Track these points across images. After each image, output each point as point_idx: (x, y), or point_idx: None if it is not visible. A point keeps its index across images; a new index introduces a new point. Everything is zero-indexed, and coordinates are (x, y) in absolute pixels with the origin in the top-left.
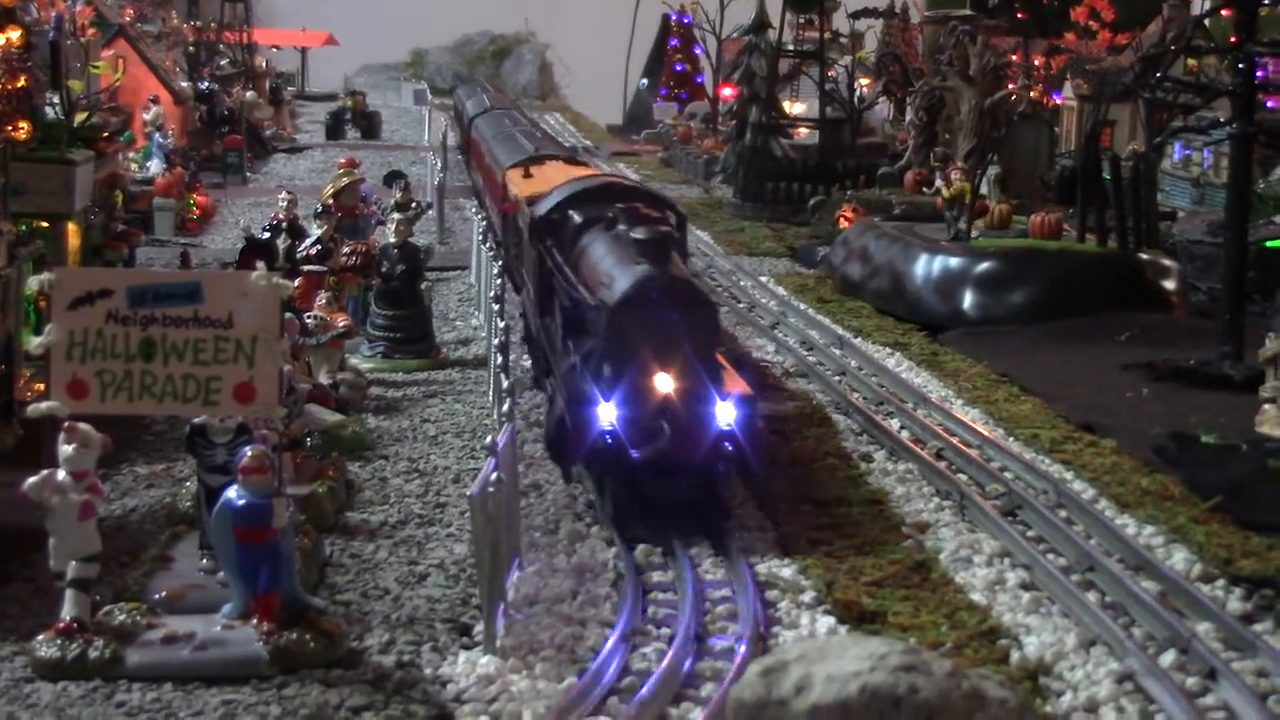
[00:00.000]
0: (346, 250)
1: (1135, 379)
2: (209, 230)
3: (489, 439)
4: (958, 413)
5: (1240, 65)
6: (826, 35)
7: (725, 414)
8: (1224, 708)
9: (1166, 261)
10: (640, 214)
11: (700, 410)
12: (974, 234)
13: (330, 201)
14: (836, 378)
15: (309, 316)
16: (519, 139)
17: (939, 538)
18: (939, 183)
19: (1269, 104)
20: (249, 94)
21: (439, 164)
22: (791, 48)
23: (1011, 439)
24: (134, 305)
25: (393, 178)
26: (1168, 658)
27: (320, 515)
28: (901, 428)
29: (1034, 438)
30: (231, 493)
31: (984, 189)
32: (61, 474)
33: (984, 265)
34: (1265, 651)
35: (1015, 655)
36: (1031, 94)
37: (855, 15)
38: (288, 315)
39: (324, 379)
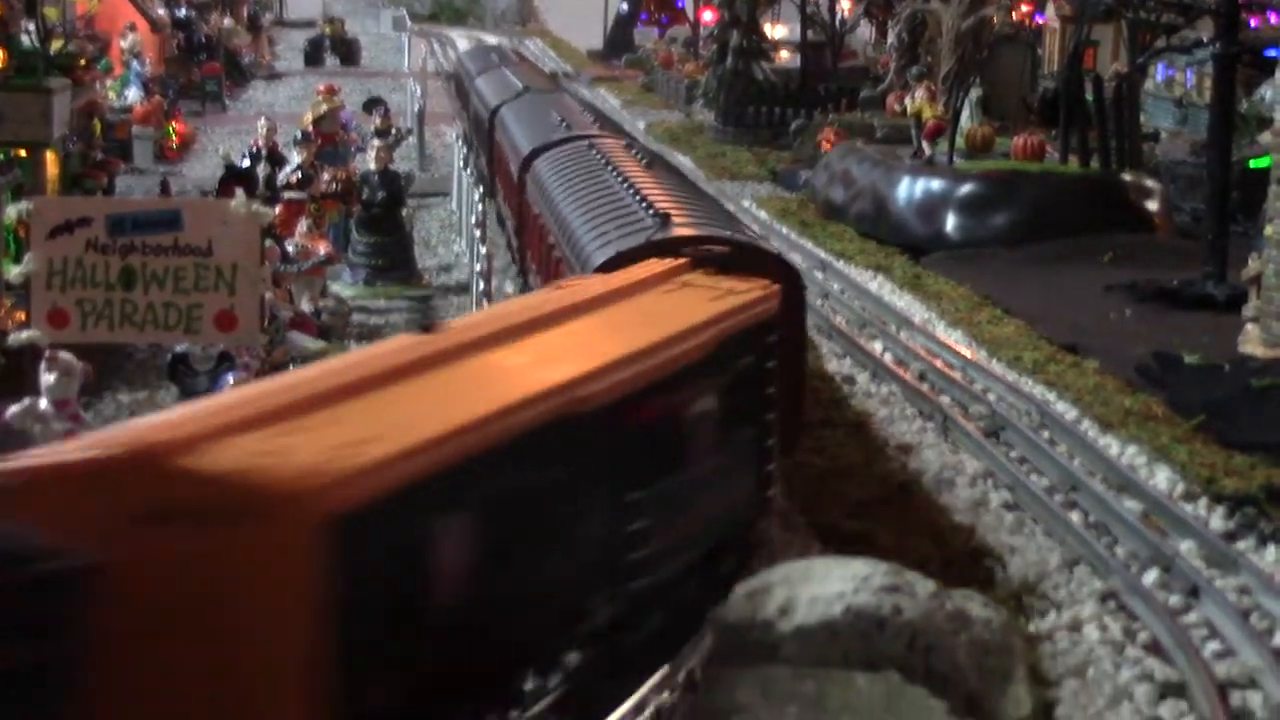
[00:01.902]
0: (327, 177)
1: (1118, 300)
2: (188, 158)
3: None
4: (940, 335)
5: None
6: None
7: None
8: (1206, 625)
9: (1149, 182)
10: None
11: None
12: (928, 151)
13: (310, 128)
14: (819, 301)
15: (290, 244)
16: (613, 165)
17: (922, 459)
18: (907, 100)
19: (1252, 23)
20: (227, 21)
21: (419, 90)
22: None
23: (994, 361)
24: (113, 233)
25: (372, 104)
26: (1150, 576)
27: None
28: (884, 350)
29: (1017, 359)
30: None
31: (965, 111)
32: (44, 403)
33: (966, 188)
34: (1247, 569)
35: (999, 575)
36: (1013, 15)
37: None
38: (269, 243)
39: (306, 306)
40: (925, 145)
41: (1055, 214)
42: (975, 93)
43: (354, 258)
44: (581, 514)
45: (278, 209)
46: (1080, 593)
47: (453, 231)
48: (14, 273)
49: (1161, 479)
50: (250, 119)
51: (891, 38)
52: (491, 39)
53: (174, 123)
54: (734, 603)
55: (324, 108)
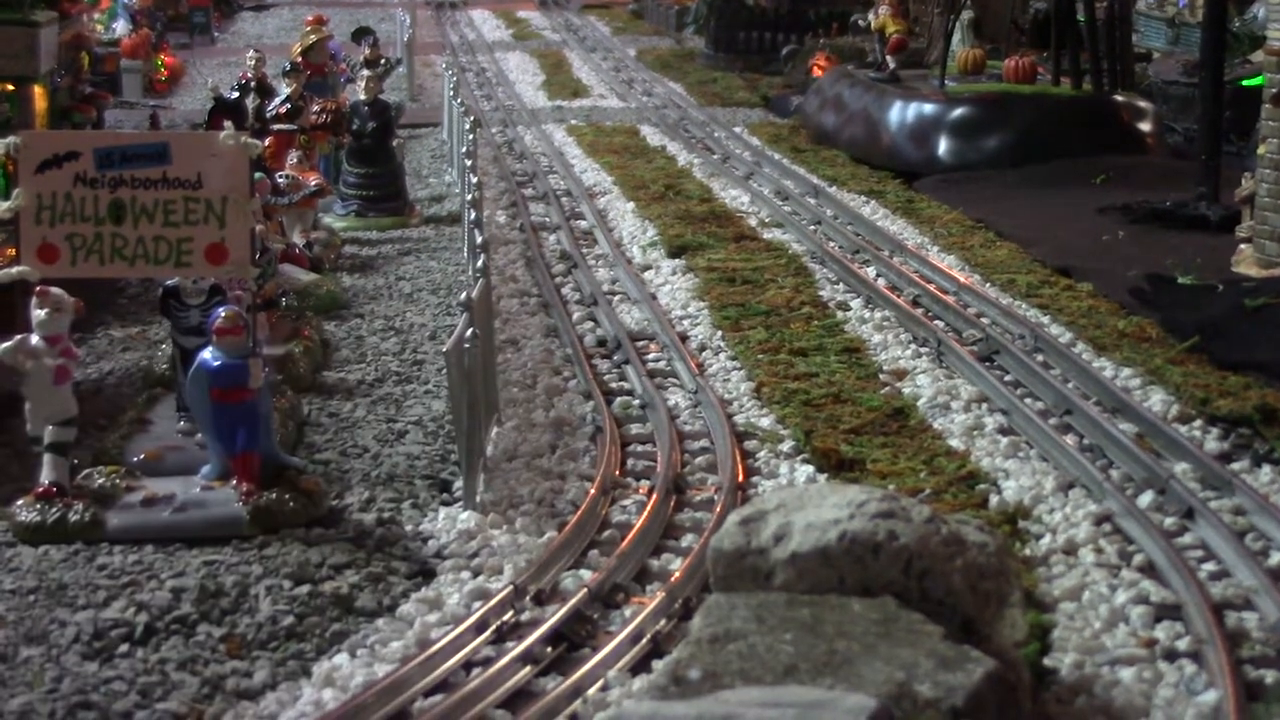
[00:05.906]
0: (316, 108)
1: (1111, 222)
2: (178, 91)
3: (463, 295)
4: (934, 259)
5: None
6: None
7: None
8: (1202, 546)
9: (1142, 103)
10: None
11: None
12: (891, 65)
13: (299, 59)
14: (812, 227)
15: (280, 176)
16: None
17: (916, 384)
18: (870, 16)
19: None
20: None
21: (408, 20)
22: None
23: (988, 284)
24: (102, 167)
25: (361, 34)
26: (1146, 498)
27: (297, 375)
28: (878, 276)
29: (1010, 283)
30: (207, 354)
31: (957, 34)
32: (35, 339)
33: (958, 111)
34: (1242, 490)
35: (994, 499)
36: None
37: None
38: (259, 175)
39: (297, 238)
40: (889, 60)
41: (1048, 136)
42: (966, 15)
43: (345, 189)
44: None
45: (267, 141)
46: (1075, 516)
47: (444, 162)
48: (2, 208)
49: (1156, 401)
50: (239, 51)
51: None
52: None
53: (162, 55)
54: (729, 530)
55: (312, 38)
